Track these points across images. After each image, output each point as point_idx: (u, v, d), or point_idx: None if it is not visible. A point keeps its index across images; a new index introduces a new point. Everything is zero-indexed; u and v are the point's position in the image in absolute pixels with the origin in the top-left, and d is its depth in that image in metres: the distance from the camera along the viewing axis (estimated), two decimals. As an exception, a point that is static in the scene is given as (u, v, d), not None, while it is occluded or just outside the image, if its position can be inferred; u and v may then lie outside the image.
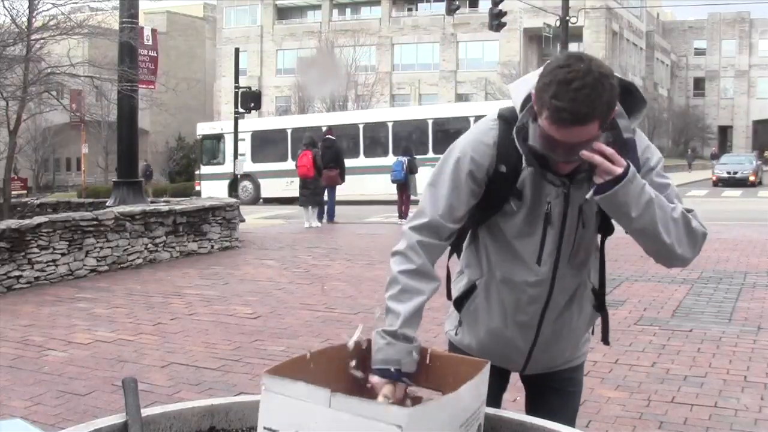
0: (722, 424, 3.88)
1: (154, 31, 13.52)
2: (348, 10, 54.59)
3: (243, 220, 13.88)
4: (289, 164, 22.74)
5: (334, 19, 53.52)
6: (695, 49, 65.89)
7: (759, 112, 62.13)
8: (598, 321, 2.10)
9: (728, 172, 33.53)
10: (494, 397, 1.85)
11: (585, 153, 1.66)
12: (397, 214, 16.33)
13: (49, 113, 20.10)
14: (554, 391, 2.12)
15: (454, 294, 2.08)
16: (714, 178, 33.74)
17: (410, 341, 1.80)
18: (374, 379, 1.68)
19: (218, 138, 27.39)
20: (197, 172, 28.98)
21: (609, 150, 1.67)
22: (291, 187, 21.58)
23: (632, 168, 1.69)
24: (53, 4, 11.11)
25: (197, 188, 27.80)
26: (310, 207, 14.97)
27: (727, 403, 4.17)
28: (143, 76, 12.30)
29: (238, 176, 18.68)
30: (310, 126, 24.46)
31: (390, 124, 25.80)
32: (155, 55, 13.16)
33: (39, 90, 11.60)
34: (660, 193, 1.78)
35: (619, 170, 1.67)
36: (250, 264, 9.81)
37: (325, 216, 15.75)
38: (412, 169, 16.15)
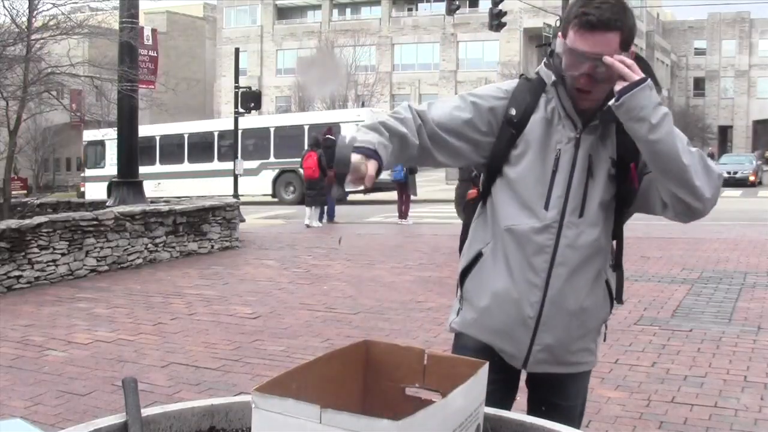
0: (722, 424, 3.88)
1: (154, 31, 13.54)
2: (348, 10, 54.61)
3: (243, 220, 13.88)
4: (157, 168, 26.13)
5: (334, 19, 53.54)
6: (695, 49, 65.90)
7: (759, 112, 62.14)
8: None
9: (728, 172, 33.52)
10: (502, 403, 1.79)
11: (607, 58, 1.77)
12: (397, 214, 16.33)
13: (49, 113, 20.10)
14: (555, 407, 2.06)
15: (461, 267, 2.09)
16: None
17: (384, 137, 1.83)
18: (356, 157, 1.70)
19: (101, 144, 28.74)
20: (82, 175, 31.25)
21: (629, 60, 1.79)
22: (158, 189, 23.55)
23: (650, 80, 1.79)
24: (53, 4, 11.12)
25: (82, 189, 29.87)
26: (313, 207, 15.04)
27: (727, 403, 4.18)
28: (143, 76, 12.32)
29: (238, 176, 18.68)
30: (168, 133, 27.65)
31: (272, 130, 26.48)
32: (155, 55, 13.17)
33: (39, 90, 11.60)
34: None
35: (637, 77, 1.77)
36: (250, 264, 9.82)
37: (325, 216, 15.76)
38: (412, 169, 16.16)
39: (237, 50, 19.47)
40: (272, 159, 25.33)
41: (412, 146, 1.90)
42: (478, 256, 2.03)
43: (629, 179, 1.92)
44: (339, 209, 16.64)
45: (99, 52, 15.73)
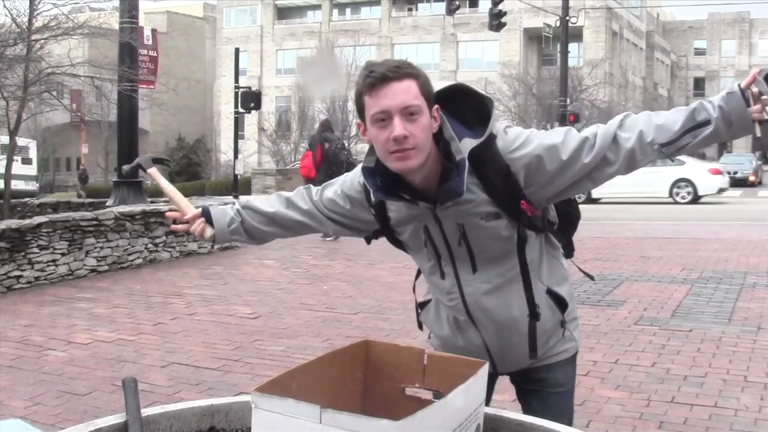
0: (722, 424, 3.88)
1: (154, 31, 13.54)
2: (348, 10, 54.60)
3: (243, 220, 13.86)
4: None
5: (334, 19, 53.54)
6: (695, 49, 65.93)
7: (759, 112, 62.09)
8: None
9: (728, 172, 33.52)
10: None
11: None
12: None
13: (49, 113, 20.10)
14: (533, 393, 2.10)
15: (417, 300, 2.20)
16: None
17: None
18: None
19: None
20: None
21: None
22: None
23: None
24: (54, 4, 11.12)
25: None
26: None
27: (727, 403, 4.17)
28: (143, 76, 12.33)
29: (238, 176, 18.69)
30: None
31: None
32: (155, 55, 13.18)
33: (39, 90, 11.60)
34: (574, 165, 1.81)
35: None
36: (250, 264, 9.82)
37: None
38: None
39: (237, 50, 19.50)
40: None
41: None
42: (427, 301, 2.15)
43: (524, 216, 1.87)
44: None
45: (99, 53, 15.75)
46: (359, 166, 1.95)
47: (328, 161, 11.73)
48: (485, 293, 1.94)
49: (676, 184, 21.80)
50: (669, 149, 1.80)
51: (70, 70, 11.38)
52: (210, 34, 57.91)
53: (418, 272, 2.16)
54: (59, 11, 11.27)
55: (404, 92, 1.71)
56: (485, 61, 48.79)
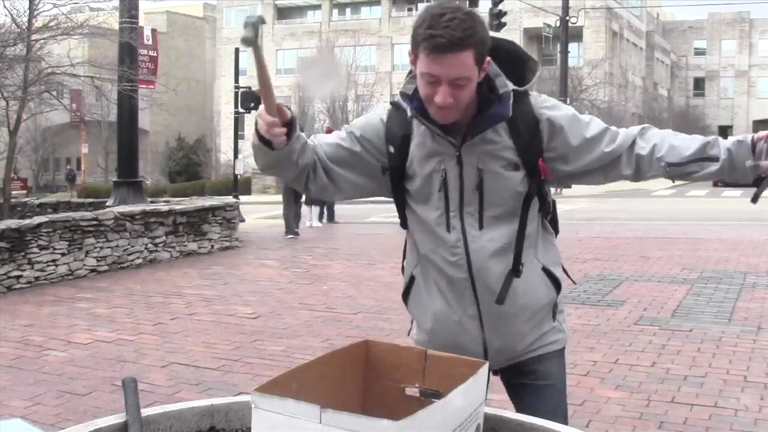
0: (722, 424, 3.88)
1: (154, 31, 13.54)
2: (348, 10, 54.60)
3: (243, 220, 13.89)
4: None
5: (334, 19, 53.54)
6: (695, 49, 65.89)
7: (759, 112, 62.13)
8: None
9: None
10: None
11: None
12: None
13: (49, 113, 20.11)
14: (527, 387, 2.06)
15: (401, 291, 2.10)
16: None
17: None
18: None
19: None
20: None
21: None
22: None
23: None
24: (53, 4, 11.13)
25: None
26: (312, 206, 15.06)
27: (727, 403, 4.17)
28: (143, 76, 12.33)
29: (238, 176, 18.69)
30: None
31: None
32: (155, 55, 13.18)
33: (39, 90, 11.61)
34: (595, 148, 1.89)
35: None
36: (250, 264, 9.82)
37: (325, 216, 15.78)
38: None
39: (237, 50, 19.47)
40: None
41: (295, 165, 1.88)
42: (412, 279, 2.05)
43: (540, 174, 1.91)
44: (339, 209, 16.64)
45: (99, 53, 15.76)
46: (378, 108, 1.99)
47: None
48: (491, 254, 1.92)
49: None
50: (674, 171, 1.87)
51: (70, 70, 11.39)
52: (210, 34, 57.91)
53: (404, 253, 2.12)
54: (59, 11, 11.28)
55: (459, 64, 1.71)
56: (485, 61, 48.76)
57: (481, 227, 1.91)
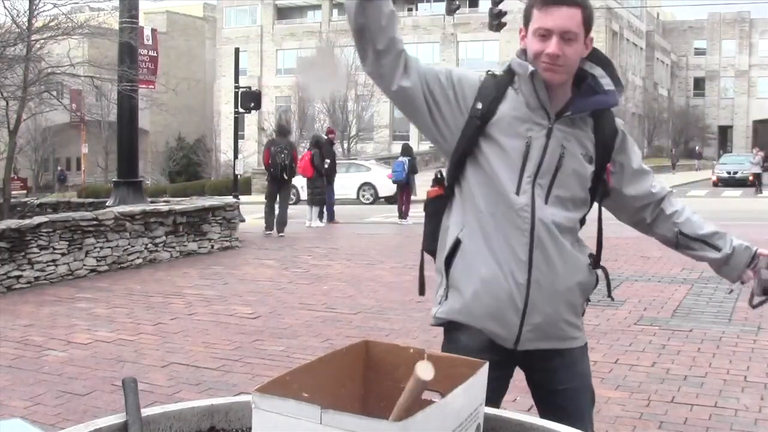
0: (722, 424, 3.88)
1: (154, 31, 13.53)
2: (348, 10, 54.56)
3: (243, 220, 13.87)
4: None
5: (334, 19, 53.51)
6: (695, 49, 65.89)
7: (759, 112, 62.13)
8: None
9: (728, 172, 33.52)
10: (494, 395, 1.80)
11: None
12: (398, 214, 16.34)
13: (49, 113, 20.10)
14: (559, 393, 2.10)
15: (443, 257, 2.10)
16: (714, 178, 33.68)
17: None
18: None
19: None
20: None
21: None
22: None
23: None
24: (54, 4, 11.11)
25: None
26: (312, 206, 15.08)
27: (727, 403, 4.17)
28: (143, 76, 12.32)
29: (238, 176, 18.68)
30: None
31: None
32: (155, 55, 13.17)
33: (39, 90, 11.60)
34: (645, 181, 2.14)
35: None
36: (250, 264, 9.82)
37: (325, 216, 15.78)
38: (413, 169, 16.18)
39: (237, 50, 19.46)
40: None
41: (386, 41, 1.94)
42: (457, 243, 2.06)
43: (604, 176, 2.07)
44: (339, 209, 16.65)
45: (99, 52, 15.75)
46: (473, 72, 2.13)
47: (275, 162, 13.16)
48: (554, 227, 1.99)
49: (362, 187, 25.33)
50: (682, 240, 2.15)
51: (70, 70, 11.37)
52: (210, 34, 57.91)
53: (426, 235, 2.21)
54: (59, 11, 11.27)
55: (569, 18, 1.93)
56: (485, 61, 48.68)
57: (546, 202, 2.00)
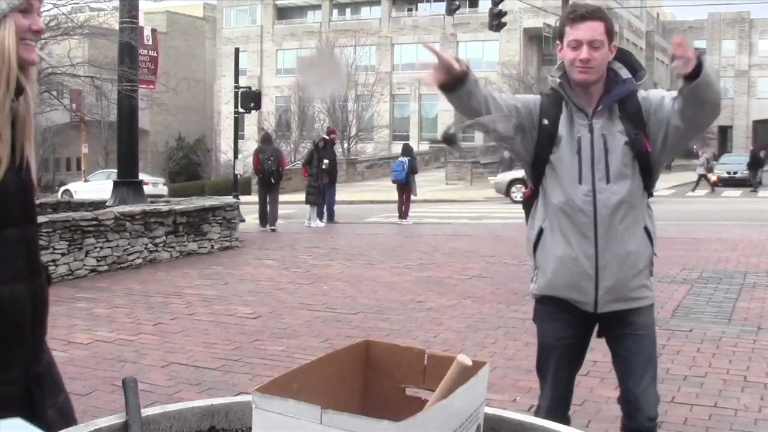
0: (722, 424, 3.88)
1: (154, 31, 13.52)
2: (348, 10, 54.58)
3: (243, 220, 13.88)
4: None
5: (334, 19, 53.53)
6: (695, 48, 65.61)
7: (759, 112, 62.12)
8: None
9: (728, 172, 33.48)
10: (581, 348, 2.71)
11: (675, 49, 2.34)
12: (398, 214, 16.33)
13: (49, 113, 20.11)
14: (627, 336, 2.63)
15: (531, 246, 2.65)
16: (714, 178, 33.62)
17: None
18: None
19: None
20: None
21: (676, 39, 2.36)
22: None
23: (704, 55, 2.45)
24: (53, 4, 11.11)
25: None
26: (312, 206, 15.10)
27: (727, 403, 4.17)
28: (143, 76, 12.31)
29: (238, 176, 18.67)
30: None
31: None
32: (155, 55, 13.16)
33: (39, 90, 11.59)
34: (670, 100, 2.51)
35: (693, 54, 2.36)
36: (250, 264, 9.82)
37: (325, 216, 15.79)
38: (413, 169, 16.18)
39: (237, 50, 19.48)
40: None
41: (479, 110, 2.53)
42: (540, 231, 2.61)
43: (642, 146, 2.51)
44: (339, 209, 16.65)
45: (99, 53, 15.75)
46: (530, 96, 2.72)
47: (263, 168, 14.41)
48: (613, 204, 2.49)
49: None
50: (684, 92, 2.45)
51: (70, 70, 11.39)
52: (210, 34, 57.89)
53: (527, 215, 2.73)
54: (59, 11, 11.27)
55: (594, 29, 2.46)
56: (485, 61, 48.76)
57: (608, 181, 2.50)
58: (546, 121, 2.56)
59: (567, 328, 2.66)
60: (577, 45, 2.46)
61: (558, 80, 2.54)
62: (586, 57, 2.44)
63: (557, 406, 2.71)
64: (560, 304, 2.60)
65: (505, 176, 25.01)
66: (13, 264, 1.86)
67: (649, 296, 2.62)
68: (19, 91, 1.80)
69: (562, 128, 2.54)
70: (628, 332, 2.62)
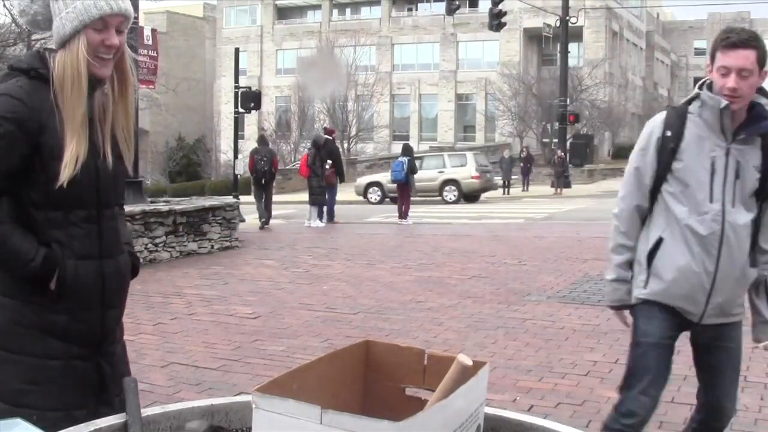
0: (722, 424, 3.88)
1: (154, 31, 13.52)
2: (348, 10, 54.59)
3: (243, 220, 13.88)
4: None
5: (334, 19, 53.53)
6: (695, 49, 65.87)
7: (759, 112, 62.08)
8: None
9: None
10: (667, 352, 2.86)
11: None
12: (397, 214, 16.33)
13: (49, 113, 20.07)
14: (722, 349, 2.81)
15: (645, 251, 2.70)
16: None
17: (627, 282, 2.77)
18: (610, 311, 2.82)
19: None
20: None
21: None
22: None
23: None
24: (53, 4, 11.11)
25: None
26: (312, 206, 15.12)
27: (727, 403, 4.17)
28: (143, 76, 12.30)
29: (238, 176, 18.68)
30: None
31: None
32: (155, 55, 13.15)
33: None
34: None
35: None
36: (250, 264, 9.82)
37: (324, 216, 15.79)
38: (412, 169, 16.18)
39: (237, 50, 19.49)
40: None
41: None
42: (660, 240, 2.66)
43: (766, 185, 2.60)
44: (339, 209, 16.65)
45: (99, 52, 15.72)
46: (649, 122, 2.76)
47: (257, 169, 15.12)
48: (739, 226, 2.59)
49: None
50: (763, 286, 2.78)
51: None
52: (210, 34, 57.90)
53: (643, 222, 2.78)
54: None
55: (745, 58, 2.45)
56: (485, 61, 48.78)
57: (733, 205, 2.58)
58: (669, 133, 2.62)
59: (672, 329, 2.82)
60: (726, 72, 2.47)
61: (723, 102, 2.51)
62: (733, 86, 2.46)
63: (654, 408, 2.88)
64: (668, 309, 2.73)
65: (363, 179, 26.42)
66: (81, 242, 2.00)
67: (743, 312, 2.80)
68: (92, 88, 1.99)
69: (689, 144, 2.59)
70: (721, 344, 2.81)
